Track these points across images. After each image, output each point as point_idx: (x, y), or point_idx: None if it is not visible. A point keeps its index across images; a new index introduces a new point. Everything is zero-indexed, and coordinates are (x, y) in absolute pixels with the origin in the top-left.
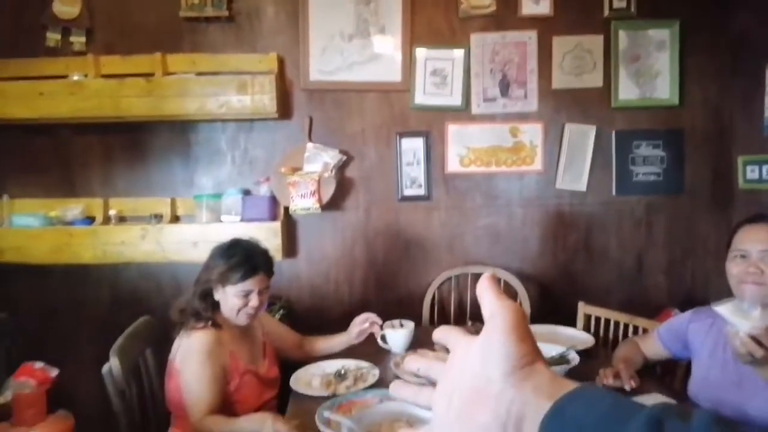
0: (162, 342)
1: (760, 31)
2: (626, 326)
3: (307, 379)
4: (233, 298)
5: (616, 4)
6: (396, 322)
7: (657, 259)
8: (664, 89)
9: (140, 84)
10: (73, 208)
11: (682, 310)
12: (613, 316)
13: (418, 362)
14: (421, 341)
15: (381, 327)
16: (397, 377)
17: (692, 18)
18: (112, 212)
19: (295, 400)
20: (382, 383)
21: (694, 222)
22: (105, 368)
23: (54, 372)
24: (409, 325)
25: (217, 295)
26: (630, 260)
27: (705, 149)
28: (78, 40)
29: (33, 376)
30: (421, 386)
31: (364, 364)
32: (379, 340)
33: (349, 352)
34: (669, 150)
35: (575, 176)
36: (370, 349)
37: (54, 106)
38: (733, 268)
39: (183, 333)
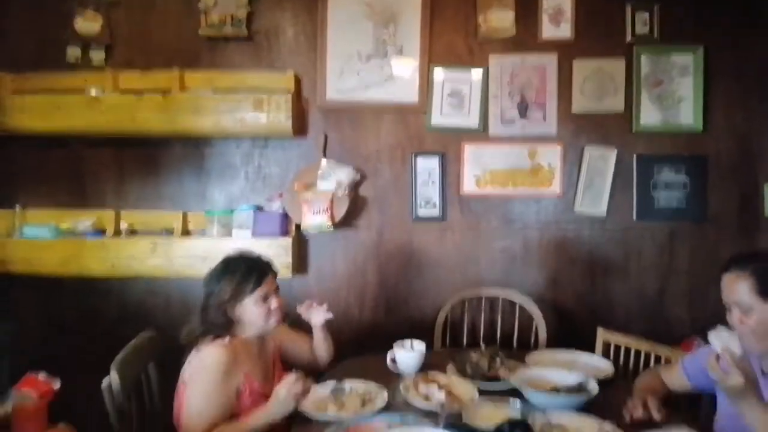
0: (165, 358)
1: None
2: (647, 355)
3: (313, 399)
4: (255, 308)
5: (639, 30)
6: (407, 343)
7: (679, 288)
8: (688, 115)
9: (157, 100)
10: (85, 220)
11: (705, 340)
12: (634, 344)
13: None
14: (431, 364)
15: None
16: (406, 402)
17: (717, 43)
18: (123, 225)
19: (299, 422)
20: (390, 407)
21: (718, 250)
22: (104, 383)
23: (56, 384)
24: (420, 346)
25: (235, 314)
26: (651, 288)
27: (730, 176)
28: (97, 56)
29: (35, 387)
30: None
31: (372, 386)
32: (388, 362)
33: (358, 373)
34: (692, 176)
35: (594, 200)
36: (379, 371)
37: (70, 119)
38: (729, 320)
39: (194, 349)
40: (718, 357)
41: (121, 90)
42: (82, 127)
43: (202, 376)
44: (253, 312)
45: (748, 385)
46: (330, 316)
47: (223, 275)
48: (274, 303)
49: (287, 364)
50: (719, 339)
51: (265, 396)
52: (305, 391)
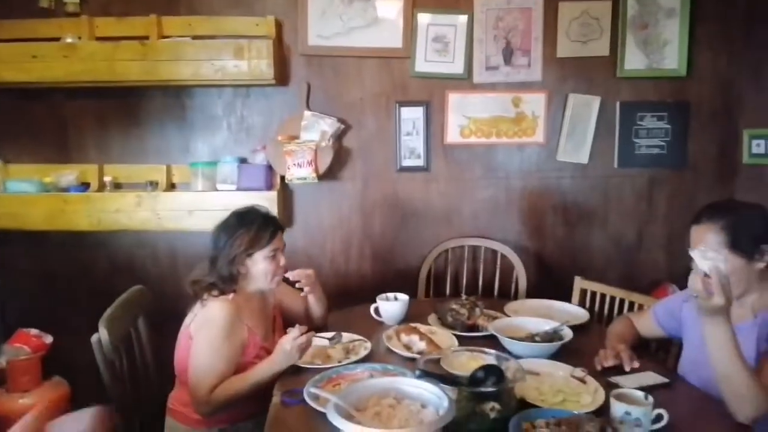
0: (154, 310)
1: None
2: (622, 302)
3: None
4: (263, 263)
5: None
6: (390, 295)
7: (657, 234)
8: (673, 59)
9: (135, 47)
10: (68, 174)
11: (680, 286)
12: (609, 291)
13: None
14: (415, 314)
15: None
16: (389, 350)
17: None
18: (107, 179)
19: (285, 372)
20: (373, 357)
21: (696, 196)
22: (94, 338)
23: (49, 339)
24: (403, 298)
25: (243, 267)
26: (630, 235)
27: (711, 122)
28: (71, 0)
29: (28, 343)
30: None
31: (356, 336)
32: (372, 312)
33: (343, 325)
34: (674, 123)
35: (577, 148)
36: (364, 322)
37: (47, 69)
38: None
39: (199, 303)
40: (705, 276)
41: (98, 37)
42: (60, 77)
43: (210, 330)
44: (261, 267)
45: (726, 305)
46: (306, 291)
47: (239, 227)
48: (282, 260)
49: (285, 320)
50: (706, 258)
51: (267, 350)
52: (308, 343)
